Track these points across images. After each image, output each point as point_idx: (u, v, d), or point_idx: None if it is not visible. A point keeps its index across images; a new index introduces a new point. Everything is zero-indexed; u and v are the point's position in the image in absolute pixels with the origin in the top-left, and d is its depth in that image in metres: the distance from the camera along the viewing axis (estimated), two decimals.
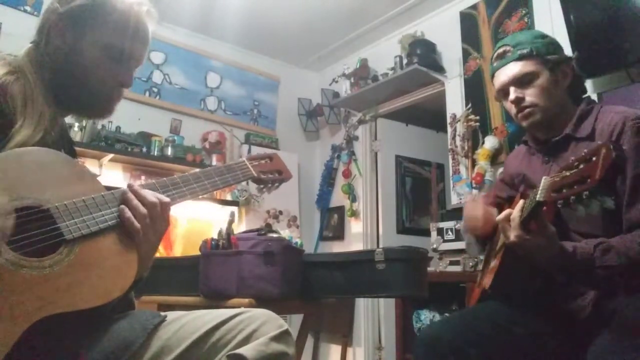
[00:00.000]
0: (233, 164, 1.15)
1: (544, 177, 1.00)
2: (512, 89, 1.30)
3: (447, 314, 2.59)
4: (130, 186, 0.90)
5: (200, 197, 1.05)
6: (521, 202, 1.09)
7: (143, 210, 0.87)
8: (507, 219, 1.10)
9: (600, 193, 0.88)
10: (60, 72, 0.96)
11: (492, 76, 1.37)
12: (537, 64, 1.27)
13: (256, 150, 3.45)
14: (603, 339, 1.03)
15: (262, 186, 1.26)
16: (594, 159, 0.88)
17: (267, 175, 1.24)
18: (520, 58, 1.28)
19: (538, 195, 0.99)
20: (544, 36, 1.34)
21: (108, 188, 0.90)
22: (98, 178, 2.86)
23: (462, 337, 1.17)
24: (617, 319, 1.05)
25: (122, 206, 0.87)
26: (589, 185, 0.87)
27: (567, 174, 0.94)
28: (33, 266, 0.73)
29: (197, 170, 1.06)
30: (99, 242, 0.82)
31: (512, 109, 1.32)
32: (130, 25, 0.97)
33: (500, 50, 1.34)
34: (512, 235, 1.08)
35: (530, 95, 1.27)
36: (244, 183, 3.43)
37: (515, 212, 1.08)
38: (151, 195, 0.89)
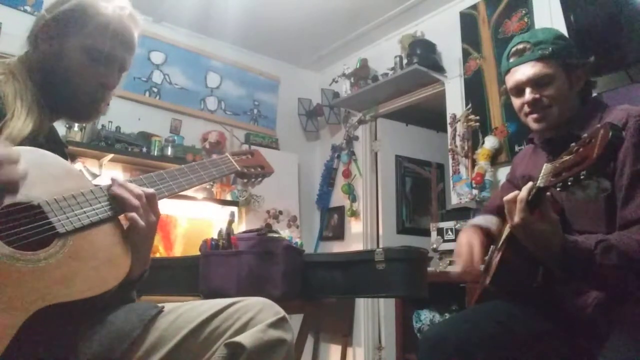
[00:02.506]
0: (217, 159, 1.19)
1: (545, 164, 1.00)
2: (528, 90, 1.27)
3: (447, 314, 2.59)
4: (114, 180, 0.91)
5: (187, 190, 1.08)
6: (529, 184, 1.07)
7: (135, 202, 0.90)
8: (514, 200, 1.09)
9: (597, 173, 0.89)
10: (47, 76, 0.99)
11: (507, 72, 1.34)
12: (556, 66, 1.25)
13: None
14: (615, 341, 1.03)
15: (245, 180, 1.30)
16: (592, 141, 0.88)
17: (250, 169, 1.28)
18: (541, 58, 1.24)
19: (539, 181, 1.00)
20: (564, 37, 1.30)
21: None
22: (98, 178, 2.83)
23: (466, 337, 1.16)
24: (626, 321, 1.05)
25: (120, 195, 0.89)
26: (587, 164, 0.87)
27: (567, 158, 0.94)
28: (28, 259, 0.74)
29: (183, 165, 1.09)
30: (92, 235, 0.84)
31: (525, 109, 1.30)
32: (110, 27, 1.00)
33: (520, 46, 1.29)
34: (518, 217, 1.06)
35: (547, 98, 1.26)
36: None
37: (523, 192, 1.06)
38: (136, 188, 0.92)
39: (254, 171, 1.29)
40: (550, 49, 1.24)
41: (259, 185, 1.34)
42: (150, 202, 0.92)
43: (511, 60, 1.31)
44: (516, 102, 1.33)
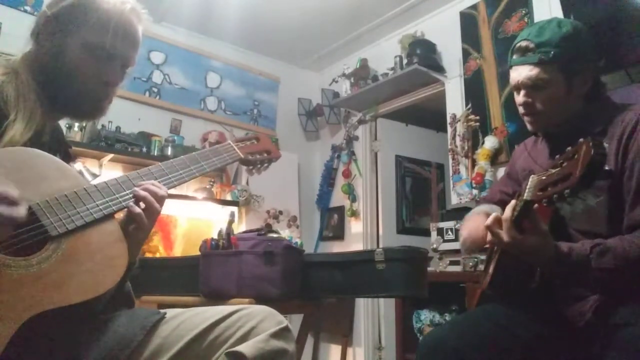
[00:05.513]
0: (219, 147, 1.16)
1: (531, 176, 1.00)
2: (522, 92, 1.25)
3: (447, 314, 2.59)
4: (141, 184, 0.95)
5: (187, 182, 1.07)
6: (513, 202, 1.07)
7: (159, 207, 0.93)
8: (496, 222, 1.09)
9: (582, 191, 0.88)
10: (49, 73, 0.97)
11: (510, 67, 1.29)
12: (556, 71, 1.19)
13: None
14: (613, 347, 1.02)
15: (251, 167, 1.26)
16: (575, 156, 0.87)
17: (255, 155, 1.24)
18: (540, 63, 1.19)
19: (525, 194, 0.99)
20: (573, 38, 1.21)
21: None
22: (98, 178, 2.82)
23: (465, 341, 1.15)
24: (626, 334, 1.03)
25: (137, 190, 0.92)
26: (570, 183, 0.87)
27: (553, 171, 0.93)
28: (20, 265, 0.72)
29: (183, 156, 1.06)
30: (87, 236, 0.81)
31: (520, 109, 1.29)
32: (112, 23, 0.98)
33: (524, 44, 1.23)
34: (505, 236, 1.05)
35: (539, 103, 1.23)
36: (244, 183, 3.44)
37: (507, 212, 1.07)
38: (160, 191, 0.94)
39: (260, 157, 1.25)
40: (552, 53, 1.18)
41: (265, 170, 1.29)
42: (160, 203, 0.95)
43: (514, 57, 1.27)
44: (515, 99, 1.32)
